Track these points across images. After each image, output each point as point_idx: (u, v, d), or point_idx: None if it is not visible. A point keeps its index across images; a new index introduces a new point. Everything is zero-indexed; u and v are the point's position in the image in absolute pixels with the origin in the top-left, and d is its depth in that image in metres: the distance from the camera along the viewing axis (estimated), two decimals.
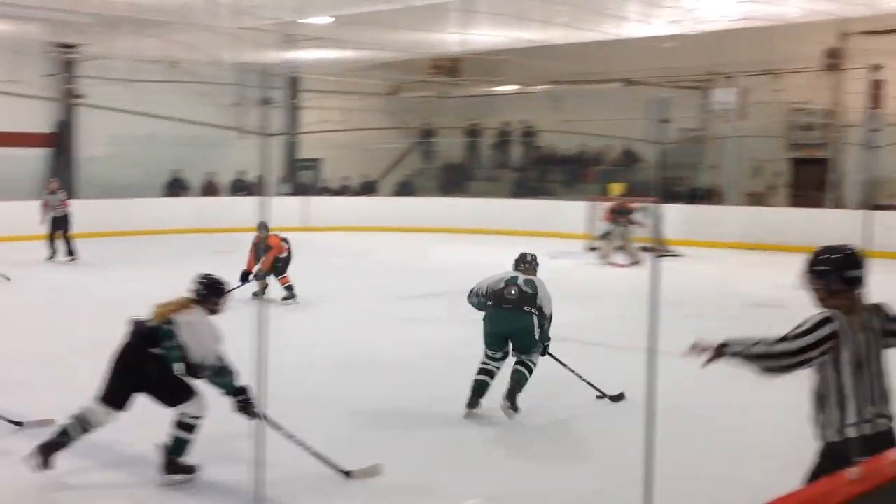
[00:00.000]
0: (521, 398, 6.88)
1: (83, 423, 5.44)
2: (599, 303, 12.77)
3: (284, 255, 12.26)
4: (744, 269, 16.43)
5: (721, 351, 3.70)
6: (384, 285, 13.98)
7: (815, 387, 3.59)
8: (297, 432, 5.56)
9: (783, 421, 6.49)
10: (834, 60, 21.37)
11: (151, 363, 5.39)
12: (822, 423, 3.57)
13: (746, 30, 16.90)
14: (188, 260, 16.69)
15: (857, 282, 3.63)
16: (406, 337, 10.08)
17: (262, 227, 12.22)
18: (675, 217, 19.08)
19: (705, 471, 5.83)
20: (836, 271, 3.63)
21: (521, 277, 7.14)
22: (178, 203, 22.62)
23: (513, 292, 7.01)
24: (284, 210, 22.47)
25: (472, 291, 7.26)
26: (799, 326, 3.59)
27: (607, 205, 17.93)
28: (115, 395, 5.43)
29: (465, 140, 27.72)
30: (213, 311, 5.61)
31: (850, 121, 20.58)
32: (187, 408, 5.43)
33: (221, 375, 5.41)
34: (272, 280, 12.12)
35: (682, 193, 21.59)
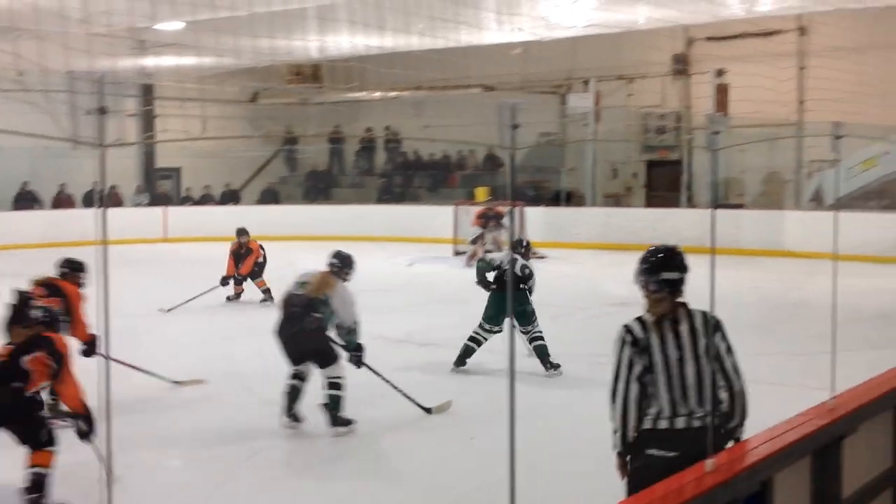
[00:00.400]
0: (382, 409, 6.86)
1: (299, 378, 6.73)
2: (464, 306, 12.88)
3: (261, 259, 13.05)
4: (605, 268, 16.88)
5: (620, 456, 3.76)
6: (249, 296, 13.70)
7: None
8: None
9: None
10: (681, 66, 22.31)
11: (312, 327, 6.57)
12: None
13: (599, 36, 17.42)
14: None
15: (671, 284, 3.70)
16: (273, 349, 9.87)
17: (243, 232, 13.02)
18: (538, 219, 19.48)
19: (570, 468, 5.94)
20: (652, 271, 3.73)
21: (520, 261, 8.44)
22: (27, 217, 21.60)
23: (505, 277, 8.35)
24: (144, 221, 21.79)
25: (483, 261, 8.96)
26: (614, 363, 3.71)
27: (475, 209, 18.15)
28: (295, 357, 6.68)
29: (329, 147, 27.54)
30: (346, 280, 6.83)
31: (698, 124, 21.52)
32: (334, 370, 6.62)
33: (352, 333, 6.70)
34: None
35: (543, 196, 22.09)
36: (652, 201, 22.87)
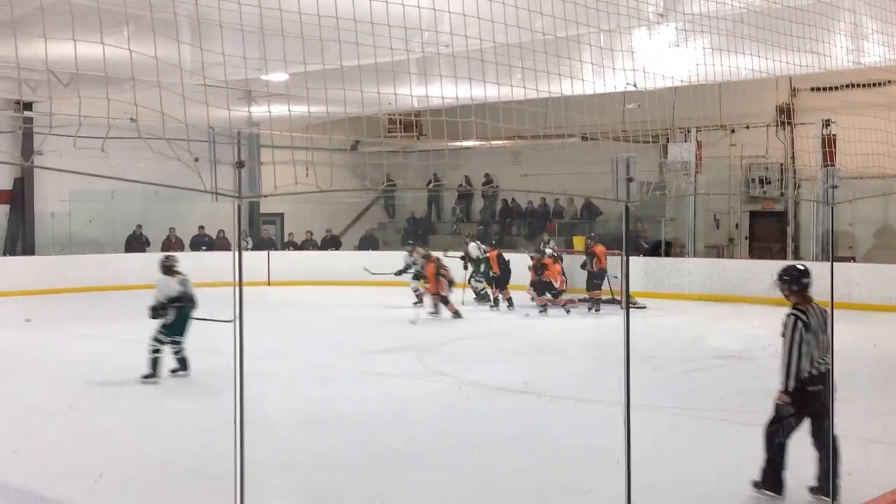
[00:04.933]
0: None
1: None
2: (565, 356, 12.77)
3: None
4: (707, 320, 16.53)
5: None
6: (348, 340, 13.87)
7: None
8: (267, 493, 5.42)
9: (754, 473, 6.49)
10: (785, 116, 21.85)
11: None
12: None
13: (700, 86, 17.20)
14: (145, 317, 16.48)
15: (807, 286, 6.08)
16: (373, 392, 9.94)
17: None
18: (637, 269, 19.23)
19: None
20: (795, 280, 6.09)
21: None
22: (137, 259, 22.39)
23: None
24: (248, 265, 22.33)
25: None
26: None
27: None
28: None
29: (428, 194, 27.82)
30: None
31: (805, 175, 20.99)
32: None
33: None
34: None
35: (643, 246, 21.82)
36: (755, 253, 22.33)
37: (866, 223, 20.76)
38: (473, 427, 8.32)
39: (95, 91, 4.05)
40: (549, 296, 17.11)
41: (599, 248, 17.35)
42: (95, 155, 4.36)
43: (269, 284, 22.39)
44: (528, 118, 6.25)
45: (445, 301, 16.54)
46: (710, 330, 14.84)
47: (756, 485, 6.07)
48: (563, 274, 17.51)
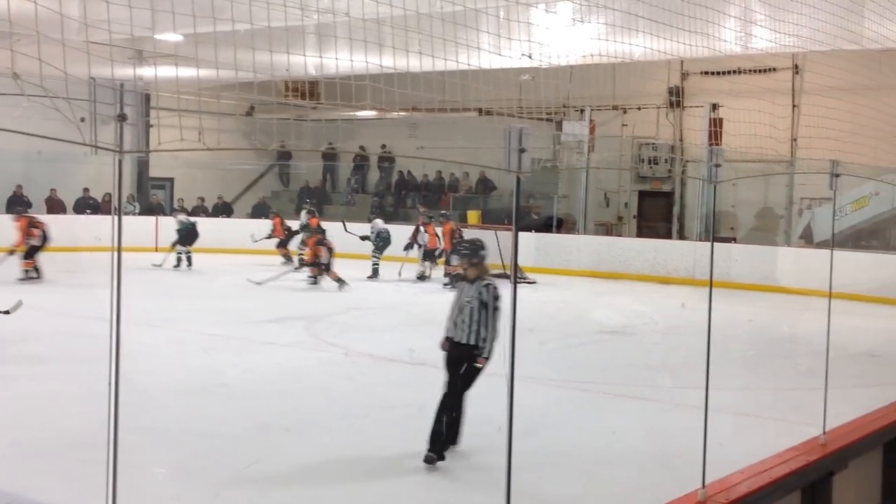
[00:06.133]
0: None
1: None
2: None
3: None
4: (594, 296, 16.90)
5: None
6: (237, 308, 13.66)
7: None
8: (146, 461, 5.31)
9: (631, 443, 6.68)
10: (675, 98, 22.45)
11: None
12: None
13: (596, 65, 17.48)
14: (30, 281, 15.86)
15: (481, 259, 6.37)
16: (259, 361, 9.82)
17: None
18: (528, 245, 19.48)
19: (558, 490, 5.90)
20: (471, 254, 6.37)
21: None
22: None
23: None
24: (134, 230, 21.73)
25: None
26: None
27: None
28: None
29: (323, 164, 27.54)
30: None
31: (692, 156, 21.62)
32: None
33: None
34: None
35: (534, 222, 22.13)
36: (643, 231, 22.94)
37: (747, 205, 21.54)
38: (361, 396, 8.31)
39: None
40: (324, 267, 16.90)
41: (430, 228, 17.99)
42: None
43: (156, 250, 21.79)
44: (424, 85, 6.19)
45: (327, 269, 16.43)
46: (596, 305, 15.18)
47: (432, 460, 6.09)
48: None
